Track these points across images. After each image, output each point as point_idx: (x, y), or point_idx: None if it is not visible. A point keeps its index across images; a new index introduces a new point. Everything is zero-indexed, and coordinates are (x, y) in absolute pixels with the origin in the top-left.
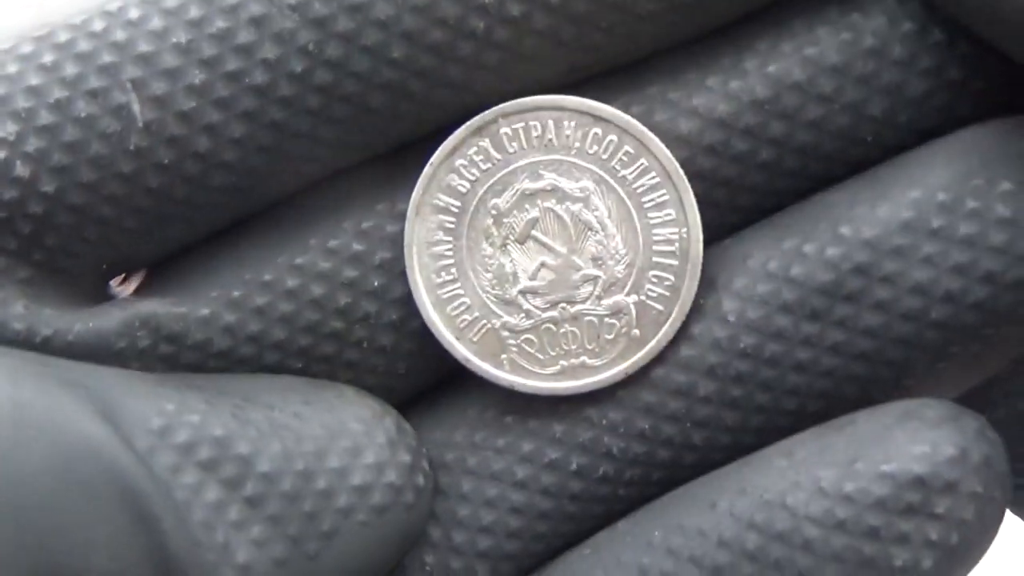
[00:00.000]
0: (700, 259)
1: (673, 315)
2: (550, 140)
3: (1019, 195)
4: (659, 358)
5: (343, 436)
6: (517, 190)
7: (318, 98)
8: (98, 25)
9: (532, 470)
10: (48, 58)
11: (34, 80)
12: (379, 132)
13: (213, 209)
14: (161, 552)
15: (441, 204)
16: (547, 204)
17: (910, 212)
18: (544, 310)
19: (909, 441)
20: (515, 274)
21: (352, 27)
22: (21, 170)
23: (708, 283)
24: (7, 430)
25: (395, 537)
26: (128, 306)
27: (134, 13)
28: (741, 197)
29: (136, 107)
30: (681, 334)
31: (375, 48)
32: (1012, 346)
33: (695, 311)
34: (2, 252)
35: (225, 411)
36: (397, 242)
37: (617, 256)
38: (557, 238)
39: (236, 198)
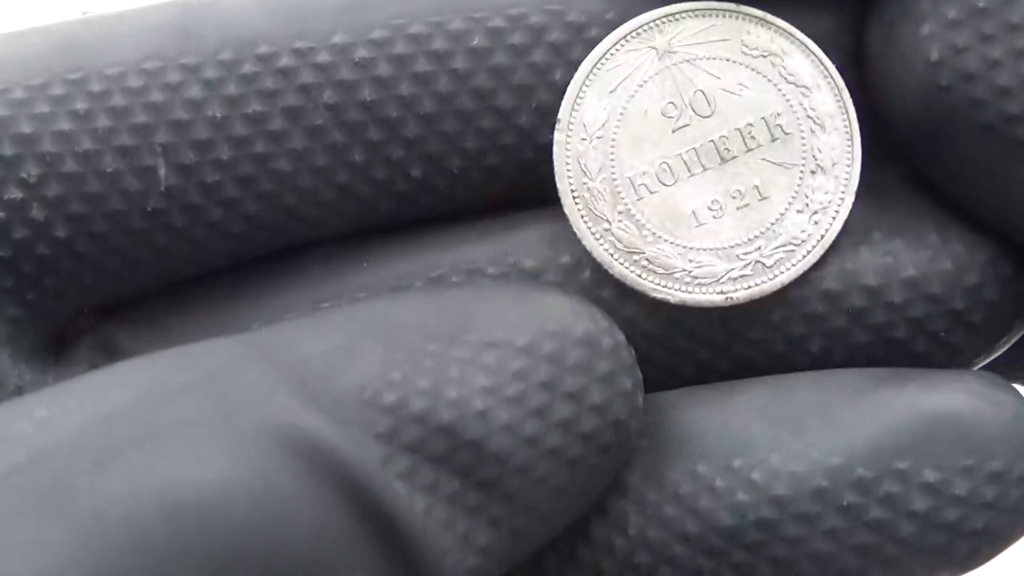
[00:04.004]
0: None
1: None
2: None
3: (938, 489)
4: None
5: (565, 377)
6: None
7: (333, 193)
8: (135, 82)
9: None
10: (81, 106)
11: (64, 126)
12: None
13: (206, 266)
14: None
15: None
16: None
17: (825, 481)
18: None
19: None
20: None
21: (382, 138)
22: (37, 213)
23: (620, 487)
24: (256, 507)
25: (610, 469)
26: (96, 350)
27: (172, 77)
28: None
29: (162, 172)
30: (579, 533)
31: (397, 162)
32: None
33: (599, 514)
34: None
35: (430, 370)
36: None
37: None
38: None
39: (232, 260)
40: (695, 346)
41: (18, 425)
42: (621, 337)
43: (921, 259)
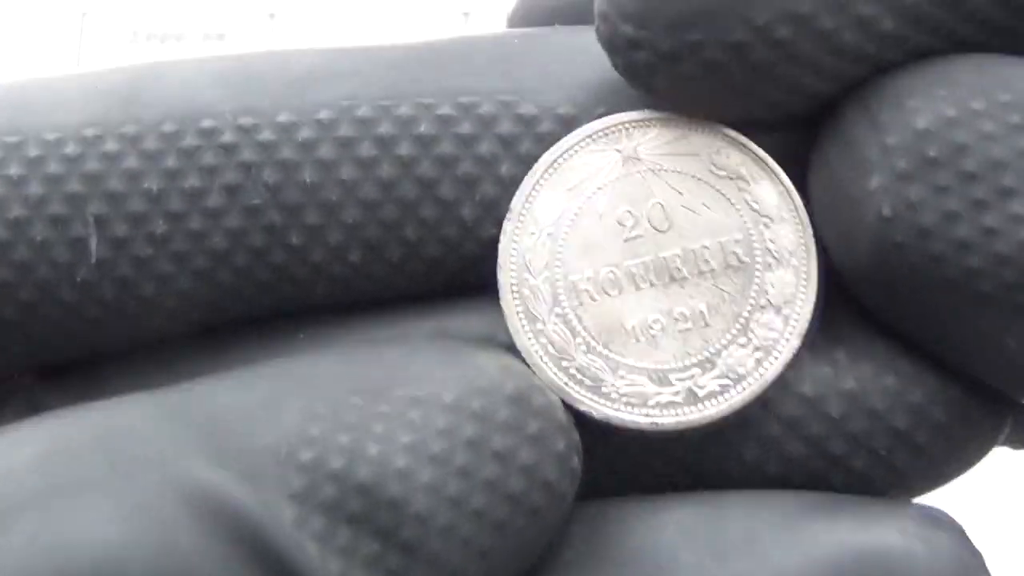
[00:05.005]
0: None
1: None
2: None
3: None
4: None
5: (493, 435)
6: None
7: (268, 273)
8: (72, 149)
9: None
10: (15, 171)
11: None
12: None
13: (140, 340)
14: None
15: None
16: None
17: None
18: None
19: None
20: None
21: (320, 221)
22: None
23: None
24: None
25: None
26: (26, 412)
27: (110, 146)
28: None
29: (93, 243)
30: None
31: (335, 247)
32: None
33: None
34: None
35: (352, 425)
36: None
37: None
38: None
39: (161, 332)
40: (627, 442)
41: None
42: (555, 397)
43: (863, 372)
